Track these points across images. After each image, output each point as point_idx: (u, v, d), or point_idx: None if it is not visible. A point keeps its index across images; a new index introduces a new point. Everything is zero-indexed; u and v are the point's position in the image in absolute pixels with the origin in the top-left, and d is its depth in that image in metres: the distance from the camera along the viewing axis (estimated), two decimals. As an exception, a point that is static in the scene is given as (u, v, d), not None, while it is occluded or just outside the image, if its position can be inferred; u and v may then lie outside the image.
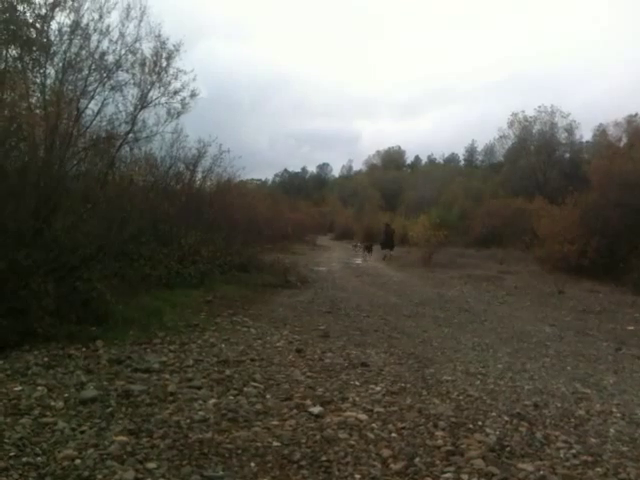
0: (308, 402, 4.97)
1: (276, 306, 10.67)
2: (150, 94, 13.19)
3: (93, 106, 11.90)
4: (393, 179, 62.35)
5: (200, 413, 4.52)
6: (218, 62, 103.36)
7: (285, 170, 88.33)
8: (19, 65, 10.80)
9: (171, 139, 14.56)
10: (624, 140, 34.47)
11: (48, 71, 11.18)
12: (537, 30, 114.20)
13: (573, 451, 4.19)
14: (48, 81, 11.15)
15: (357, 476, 3.65)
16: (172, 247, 11.83)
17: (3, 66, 10.19)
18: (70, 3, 11.35)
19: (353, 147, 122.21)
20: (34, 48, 11.00)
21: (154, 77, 13.13)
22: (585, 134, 41.11)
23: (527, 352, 7.74)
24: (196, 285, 11.27)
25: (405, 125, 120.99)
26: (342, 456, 3.90)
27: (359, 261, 25.35)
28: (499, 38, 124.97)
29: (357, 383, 5.73)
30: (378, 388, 5.57)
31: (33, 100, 10.52)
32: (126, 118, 12.76)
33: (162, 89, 13.33)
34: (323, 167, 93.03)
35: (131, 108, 12.90)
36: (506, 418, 4.85)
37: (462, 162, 76.46)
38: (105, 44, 11.95)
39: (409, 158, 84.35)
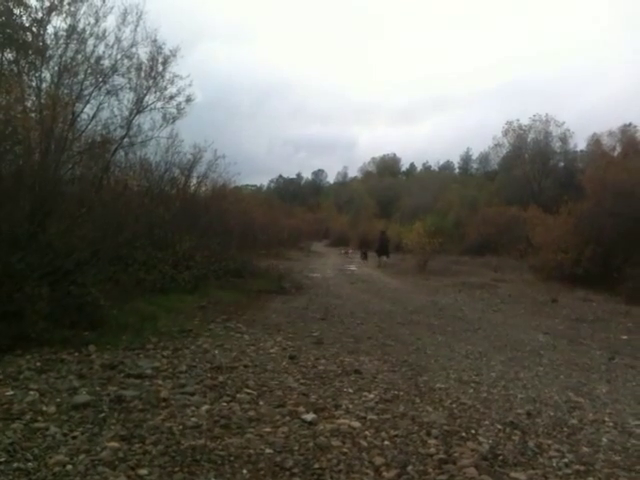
0: (301, 409, 4.95)
1: (270, 312, 10.66)
2: (146, 99, 13.24)
3: (88, 110, 11.94)
4: (388, 186, 62.54)
5: (193, 419, 4.50)
6: (216, 66, 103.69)
7: (280, 176, 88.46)
8: (15, 68, 10.82)
9: (166, 144, 14.61)
10: (618, 149, 34.70)
11: (44, 75, 11.21)
12: (533, 41, 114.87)
13: (565, 460, 4.19)
14: (44, 85, 11.19)
15: (349, 484, 3.64)
16: (167, 252, 11.82)
17: (-1, 69, 10.20)
18: (66, 7, 11.40)
19: (348, 154, 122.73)
20: (30, 52, 11.03)
21: (150, 82, 13.18)
22: (579, 143, 41.45)
23: (521, 360, 7.74)
24: (190, 290, 11.25)
25: (401, 132, 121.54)
26: (335, 464, 3.89)
27: (354, 268, 25.37)
28: (495, 48, 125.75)
29: (350, 390, 5.71)
30: (371, 396, 5.55)
31: (28, 103, 10.54)
32: (121, 122, 12.80)
33: (158, 94, 13.39)
34: (318, 173, 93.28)
35: (126, 113, 12.95)
36: (499, 427, 4.84)
37: (457, 170, 76.86)
38: (101, 48, 12.01)
39: (404, 165, 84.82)
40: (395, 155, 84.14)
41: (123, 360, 6.14)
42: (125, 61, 12.54)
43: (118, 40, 12.26)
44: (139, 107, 13.14)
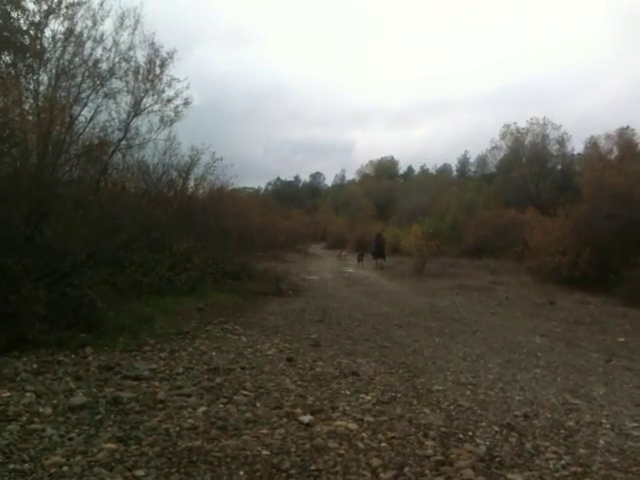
0: (298, 411, 4.95)
1: (267, 314, 10.66)
2: (143, 102, 13.24)
3: (86, 113, 11.94)
4: (386, 189, 62.52)
5: (189, 421, 4.50)
6: (213, 69, 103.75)
7: (278, 178, 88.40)
8: (12, 71, 10.81)
9: (164, 146, 14.56)
10: (615, 152, 34.74)
11: (41, 78, 11.21)
12: (530, 45, 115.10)
13: (562, 462, 4.19)
14: (41, 88, 11.18)
15: (346, 485, 3.64)
16: (164, 254, 11.79)
17: (-4, 72, 10.20)
18: (64, 10, 11.41)
19: (346, 156, 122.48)
20: (27, 55, 11.02)
21: (147, 85, 13.19)
22: (577, 146, 41.41)
23: (518, 363, 7.75)
24: (187, 292, 11.23)
25: (398, 135, 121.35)
26: (332, 465, 3.89)
27: (351, 270, 25.35)
28: (491, 51, 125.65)
29: (347, 392, 5.72)
30: (368, 397, 5.56)
31: (26, 106, 10.52)
32: (119, 125, 12.81)
33: (155, 97, 13.39)
34: (316, 176, 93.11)
35: (124, 115, 12.95)
36: (496, 428, 4.85)
37: (455, 173, 76.77)
38: (99, 52, 12.01)
39: (402, 168, 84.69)
40: (393, 158, 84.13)
41: (120, 362, 6.13)
42: (123, 64, 12.56)
43: (116, 43, 12.28)
44: (137, 110, 13.14)
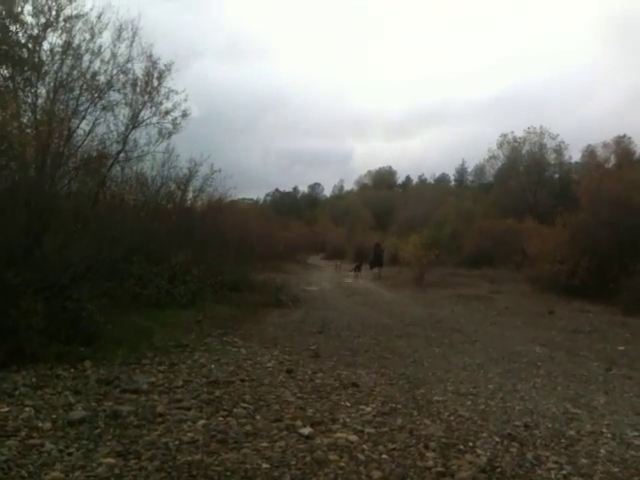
0: (298, 423, 4.93)
1: (267, 326, 10.64)
2: (141, 114, 13.28)
3: (84, 126, 11.98)
4: (384, 199, 62.64)
5: (189, 434, 4.48)
6: (212, 81, 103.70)
7: (277, 189, 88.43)
8: (11, 85, 10.86)
9: (162, 159, 14.59)
10: (612, 161, 34.91)
11: (40, 91, 11.27)
12: (527, 53, 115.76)
13: (564, 472, 4.17)
14: (39, 101, 11.24)
15: (347, 498, 3.62)
16: (163, 266, 11.79)
17: (-5, 86, 10.24)
18: (62, 24, 11.48)
19: (345, 167, 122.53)
20: (26, 68, 11.09)
21: (145, 97, 13.24)
22: (574, 155, 41.47)
23: (518, 372, 7.73)
24: (186, 305, 11.22)
25: (396, 145, 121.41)
26: (332, 478, 3.86)
27: (350, 281, 25.35)
28: (487, 60, 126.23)
29: (348, 404, 5.69)
30: (369, 409, 5.53)
31: (24, 119, 10.57)
32: (117, 138, 12.85)
33: (153, 109, 13.45)
34: (314, 187, 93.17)
35: (122, 128, 12.99)
36: (497, 439, 4.83)
37: (453, 182, 76.95)
38: (97, 64, 12.08)
39: (400, 178, 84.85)
40: (391, 168, 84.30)
41: (119, 375, 6.11)
42: (121, 76, 12.62)
43: (114, 56, 12.35)
44: (135, 122, 13.18)
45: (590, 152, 39.98)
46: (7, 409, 4.75)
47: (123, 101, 12.91)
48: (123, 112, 12.99)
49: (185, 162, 16.07)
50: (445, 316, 13.68)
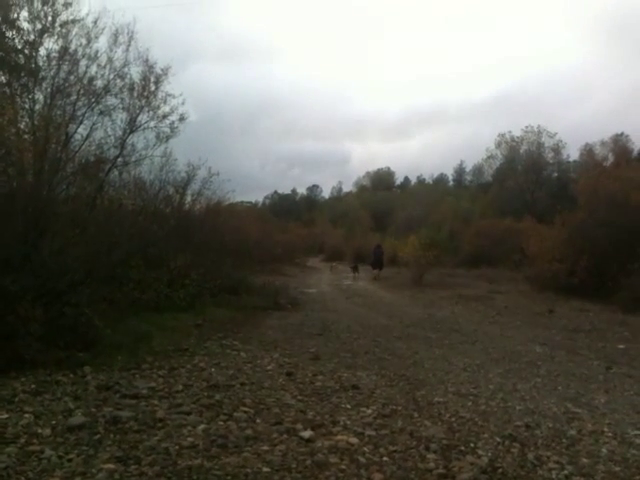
0: (299, 426, 4.92)
1: (266, 329, 10.63)
2: (139, 118, 13.25)
3: (82, 131, 11.94)
4: (383, 200, 62.77)
5: (189, 439, 4.46)
6: (210, 84, 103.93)
7: (275, 192, 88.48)
8: (7, 91, 10.85)
9: (160, 163, 14.54)
10: (610, 159, 34.95)
11: (37, 96, 11.24)
12: (523, 54, 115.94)
13: (565, 472, 4.17)
14: (37, 106, 11.20)
15: (348, 501, 3.61)
16: (161, 270, 11.77)
17: (-8, 91, 10.24)
18: (58, 29, 11.46)
19: (343, 169, 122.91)
20: (22, 74, 11.07)
21: (143, 101, 13.21)
22: (572, 154, 41.55)
23: (518, 372, 7.74)
24: (186, 308, 11.20)
25: (394, 146, 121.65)
26: (333, 481, 3.86)
27: (349, 282, 25.35)
28: (484, 61, 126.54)
29: (348, 406, 5.69)
30: (369, 411, 5.53)
31: (22, 125, 10.56)
32: (115, 142, 12.81)
33: (151, 113, 13.41)
34: (313, 189, 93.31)
35: (120, 132, 12.95)
36: (498, 439, 4.82)
37: (451, 182, 77.07)
38: (93, 69, 12.04)
39: (398, 179, 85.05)
40: (389, 169, 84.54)
41: (118, 380, 6.09)
42: (118, 81, 12.59)
43: (110, 60, 12.32)
44: (132, 127, 13.16)
45: (588, 151, 40.10)
46: (6, 416, 4.73)
47: (120, 105, 12.89)
48: (120, 116, 12.97)
49: (183, 166, 16.03)
50: (445, 317, 13.69)
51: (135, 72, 12.97)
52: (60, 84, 11.33)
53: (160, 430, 4.65)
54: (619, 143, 39.62)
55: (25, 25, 11.22)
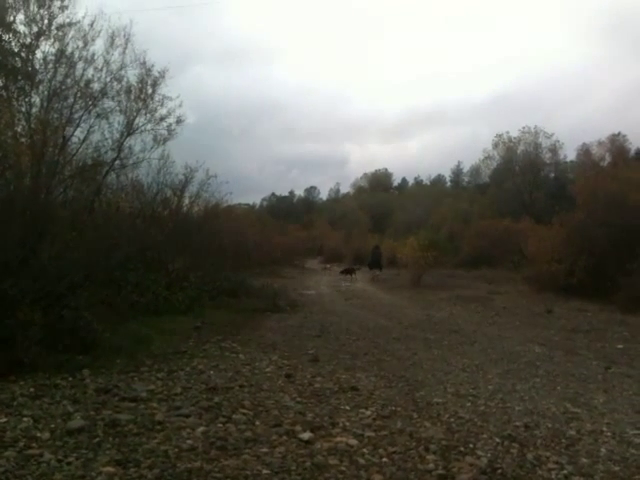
0: (298, 428, 4.92)
1: (265, 331, 10.62)
2: (136, 121, 13.29)
3: (79, 134, 11.98)
4: (381, 201, 62.70)
5: (188, 442, 4.46)
6: (208, 87, 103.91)
7: (273, 194, 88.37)
8: (4, 94, 10.85)
9: (158, 165, 14.56)
10: (608, 159, 35.00)
11: (33, 99, 11.27)
12: (520, 55, 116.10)
13: (565, 472, 4.17)
14: (33, 109, 11.23)
15: (348, 503, 3.61)
16: (160, 273, 11.77)
17: (-12, 95, 10.24)
18: (55, 32, 11.49)
19: (341, 170, 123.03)
20: (19, 77, 11.08)
21: (140, 104, 13.24)
22: (569, 154, 41.55)
23: (517, 373, 7.74)
24: (184, 311, 11.19)
25: (392, 147, 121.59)
26: (333, 483, 3.86)
27: (348, 284, 25.32)
28: (481, 63, 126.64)
29: (347, 407, 5.69)
30: (368, 412, 5.53)
31: (19, 128, 10.57)
32: (112, 145, 12.84)
33: (148, 116, 13.46)
34: (311, 190, 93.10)
35: (117, 135, 12.99)
36: (497, 440, 4.82)
37: (449, 183, 76.99)
38: (90, 72, 12.08)
39: (396, 180, 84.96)
40: (387, 170, 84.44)
41: (117, 384, 6.08)
42: (114, 84, 12.63)
43: (107, 63, 12.36)
44: (129, 129, 13.19)
45: (585, 151, 40.15)
46: (5, 419, 4.72)
47: (117, 108, 12.92)
48: (117, 119, 13.01)
49: (181, 168, 16.04)
50: (444, 317, 13.69)
51: (132, 75, 13.03)
52: (57, 87, 11.35)
53: (159, 433, 4.64)
54: (616, 143, 39.68)
55: (21, 28, 11.27)
